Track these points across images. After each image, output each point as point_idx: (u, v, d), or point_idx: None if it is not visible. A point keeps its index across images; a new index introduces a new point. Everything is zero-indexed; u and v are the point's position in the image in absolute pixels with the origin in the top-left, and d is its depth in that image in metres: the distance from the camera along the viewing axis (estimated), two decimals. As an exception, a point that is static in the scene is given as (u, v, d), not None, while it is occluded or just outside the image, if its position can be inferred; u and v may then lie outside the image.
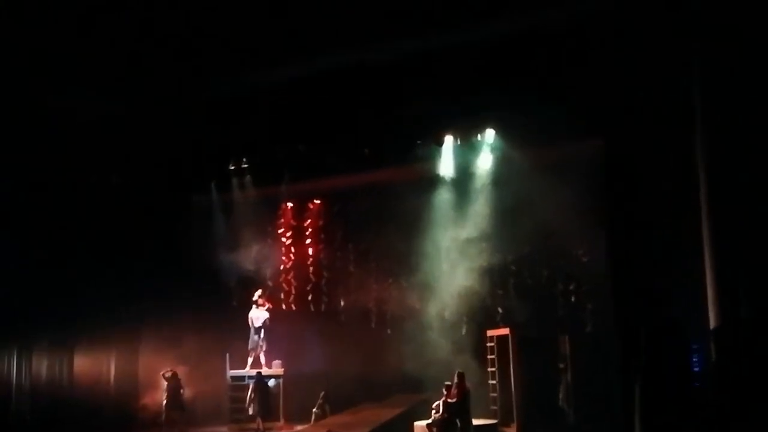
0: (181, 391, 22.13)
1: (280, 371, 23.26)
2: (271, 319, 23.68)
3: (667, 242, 15.38)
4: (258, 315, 23.64)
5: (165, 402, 21.82)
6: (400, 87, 18.24)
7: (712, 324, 14.17)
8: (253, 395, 21.80)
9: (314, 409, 22.10)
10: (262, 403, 21.81)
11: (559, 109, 17.45)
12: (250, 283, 24.61)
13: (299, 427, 22.01)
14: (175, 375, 22.10)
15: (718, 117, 14.50)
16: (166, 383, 21.99)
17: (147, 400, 23.67)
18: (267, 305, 23.89)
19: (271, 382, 22.91)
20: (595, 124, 17.04)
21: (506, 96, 17.91)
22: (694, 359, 14.58)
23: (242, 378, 23.07)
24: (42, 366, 22.08)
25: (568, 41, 16.53)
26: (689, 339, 14.48)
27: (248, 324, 23.62)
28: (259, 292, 23.92)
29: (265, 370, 22.90)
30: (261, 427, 21.75)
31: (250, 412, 21.88)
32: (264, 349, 23.51)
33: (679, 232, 15.23)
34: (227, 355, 23.36)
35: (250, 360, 23.39)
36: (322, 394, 22.28)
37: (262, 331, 23.53)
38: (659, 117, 15.57)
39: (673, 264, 15.28)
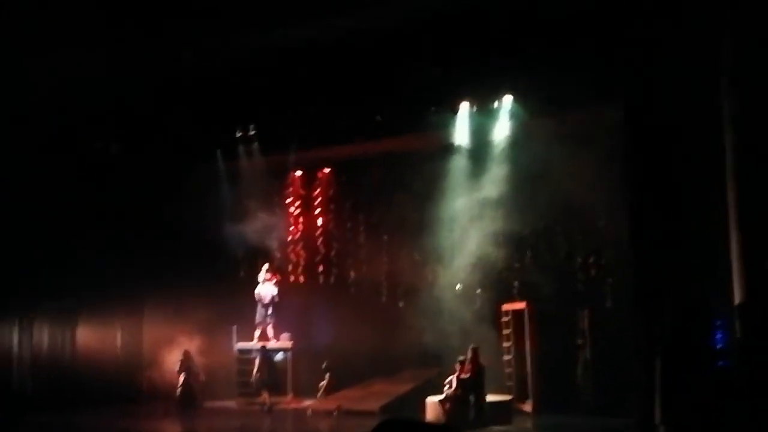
0: (196, 369, 21.88)
1: (288, 344, 22.86)
2: (279, 293, 23.26)
3: (690, 214, 14.72)
4: (265, 292, 23.17)
5: (182, 383, 21.54)
6: (413, 51, 17.64)
7: (736, 299, 13.53)
8: (258, 369, 21.41)
9: (322, 383, 21.86)
10: (269, 377, 21.43)
11: (580, 75, 16.80)
12: (257, 254, 24.14)
13: (308, 402, 21.74)
14: (188, 355, 21.89)
15: (748, 83, 13.78)
16: (180, 364, 21.76)
17: (152, 372, 23.43)
18: (275, 279, 23.41)
19: (279, 356, 22.61)
20: (617, 91, 16.34)
21: (525, 61, 17.32)
22: (717, 336, 13.92)
23: (249, 351, 22.75)
24: (43, 337, 21.95)
25: (589, 3, 15.86)
26: (713, 315, 13.84)
27: (255, 297, 23.20)
28: (265, 266, 23.44)
29: (273, 343, 22.49)
30: (267, 401, 21.31)
31: (255, 385, 21.52)
32: (272, 322, 23.09)
33: (704, 203, 14.57)
34: (234, 327, 22.96)
35: (257, 333, 22.97)
36: (324, 365, 21.93)
37: (270, 307, 23.13)
38: (684, 84, 14.87)
39: (696, 237, 14.61)
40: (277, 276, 23.65)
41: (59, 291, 21.37)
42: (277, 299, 23.16)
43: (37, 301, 21.66)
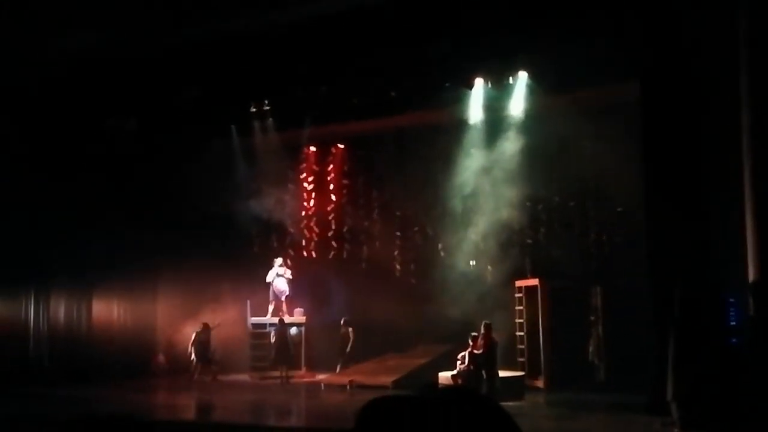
0: (210, 341, 21.97)
1: (302, 319, 22.94)
2: (293, 284, 23.39)
3: (705, 191, 14.70)
4: (281, 288, 23.26)
5: (193, 353, 21.64)
6: (428, 26, 17.54)
7: (750, 277, 13.53)
8: (276, 344, 21.50)
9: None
10: (284, 352, 21.52)
11: (595, 51, 16.75)
12: (270, 229, 24.22)
13: (321, 376, 21.82)
14: (206, 327, 21.97)
15: (765, 59, 13.71)
16: (194, 335, 21.87)
17: (167, 345, 23.52)
18: (289, 272, 23.49)
19: (293, 330, 22.65)
20: (632, 67, 16.28)
21: (540, 37, 17.19)
22: (731, 313, 13.94)
23: (263, 325, 22.84)
24: (60, 310, 22.03)
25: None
26: (726, 292, 13.87)
27: (270, 268, 23.34)
28: (278, 261, 23.47)
29: (286, 318, 22.56)
30: (285, 375, 21.42)
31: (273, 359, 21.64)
32: (285, 301, 23.25)
33: (719, 180, 14.55)
34: (248, 301, 23.03)
35: (270, 308, 23.06)
36: (343, 320, 22.20)
37: (284, 303, 23.27)
38: (700, 59, 14.81)
39: (711, 214, 14.61)
40: (290, 265, 23.72)
41: (75, 265, 21.47)
42: (289, 293, 23.28)
43: (53, 276, 21.78)
